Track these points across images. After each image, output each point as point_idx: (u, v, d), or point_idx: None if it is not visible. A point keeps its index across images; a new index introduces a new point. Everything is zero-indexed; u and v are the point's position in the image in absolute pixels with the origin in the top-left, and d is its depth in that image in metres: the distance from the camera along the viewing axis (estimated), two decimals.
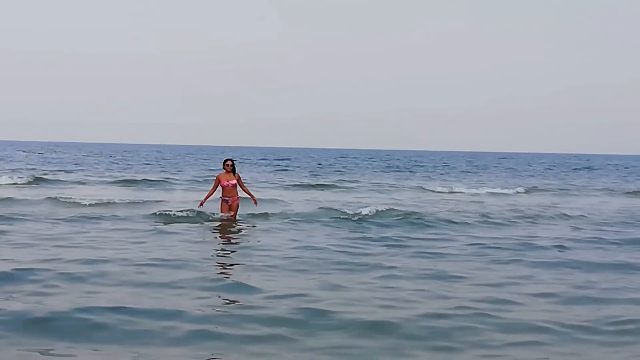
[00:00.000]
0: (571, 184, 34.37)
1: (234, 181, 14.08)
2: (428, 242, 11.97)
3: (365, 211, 15.91)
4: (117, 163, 49.60)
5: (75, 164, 44.79)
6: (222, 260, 9.97)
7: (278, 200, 19.93)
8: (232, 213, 14.12)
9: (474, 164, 69.93)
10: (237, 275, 8.67)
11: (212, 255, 10.24)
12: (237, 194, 14.26)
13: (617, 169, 61.58)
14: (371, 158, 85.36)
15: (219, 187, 14.16)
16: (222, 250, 10.91)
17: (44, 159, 54.02)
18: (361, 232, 13.10)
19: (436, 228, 14.07)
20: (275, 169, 46.77)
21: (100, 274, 8.25)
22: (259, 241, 11.63)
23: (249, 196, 14.39)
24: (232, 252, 10.78)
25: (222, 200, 14.19)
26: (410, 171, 48.15)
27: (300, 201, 20.17)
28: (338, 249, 10.79)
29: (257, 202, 14.56)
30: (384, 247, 11.17)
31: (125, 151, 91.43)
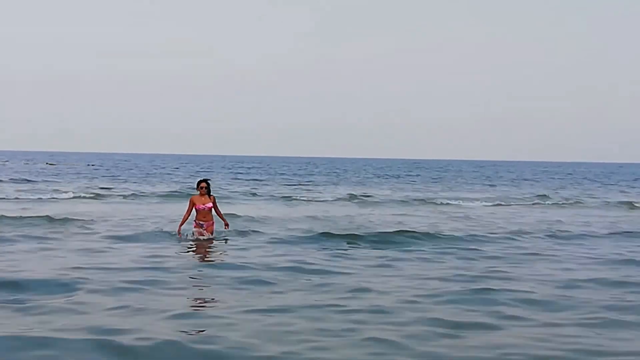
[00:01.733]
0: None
1: (210, 204, 13.03)
2: None
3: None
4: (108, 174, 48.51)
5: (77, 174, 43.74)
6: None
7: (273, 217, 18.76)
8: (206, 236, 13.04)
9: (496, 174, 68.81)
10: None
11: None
12: (213, 219, 13.19)
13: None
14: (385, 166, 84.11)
15: (193, 210, 13.09)
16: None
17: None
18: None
19: None
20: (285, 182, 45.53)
21: None
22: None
23: (222, 220, 13.34)
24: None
25: (196, 224, 13.09)
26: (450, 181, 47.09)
27: (300, 218, 18.70)
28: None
29: (229, 226, 13.56)
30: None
31: (126, 161, 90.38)
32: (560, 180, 57.71)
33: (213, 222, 13.14)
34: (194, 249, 12.17)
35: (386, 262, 11.09)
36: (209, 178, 13.94)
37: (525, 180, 56.92)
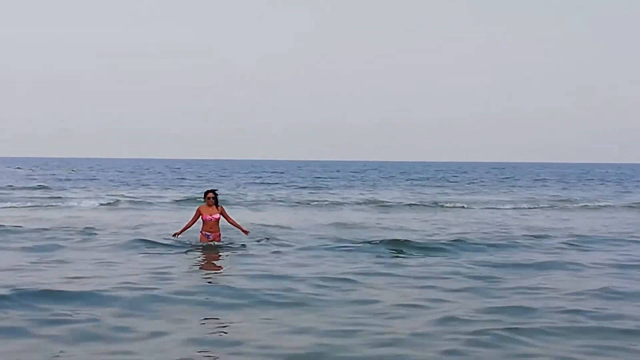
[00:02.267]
0: None
1: (218, 215, 12.48)
2: None
3: None
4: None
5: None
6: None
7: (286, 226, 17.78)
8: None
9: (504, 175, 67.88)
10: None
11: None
12: (219, 230, 12.61)
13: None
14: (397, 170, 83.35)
15: (200, 220, 12.53)
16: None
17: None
18: None
19: None
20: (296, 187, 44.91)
21: None
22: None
23: (238, 228, 12.72)
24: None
25: (203, 235, 12.55)
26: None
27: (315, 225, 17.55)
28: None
29: (248, 233, 12.86)
30: None
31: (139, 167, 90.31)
32: (578, 182, 56.66)
33: (220, 234, 12.61)
34: (207, 259, 11.57)
35: (412, 273, 10.27)
36: (216, 188, 13.45)
37: (541, 181, 56.14)
